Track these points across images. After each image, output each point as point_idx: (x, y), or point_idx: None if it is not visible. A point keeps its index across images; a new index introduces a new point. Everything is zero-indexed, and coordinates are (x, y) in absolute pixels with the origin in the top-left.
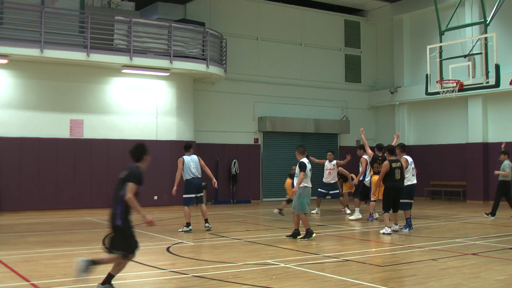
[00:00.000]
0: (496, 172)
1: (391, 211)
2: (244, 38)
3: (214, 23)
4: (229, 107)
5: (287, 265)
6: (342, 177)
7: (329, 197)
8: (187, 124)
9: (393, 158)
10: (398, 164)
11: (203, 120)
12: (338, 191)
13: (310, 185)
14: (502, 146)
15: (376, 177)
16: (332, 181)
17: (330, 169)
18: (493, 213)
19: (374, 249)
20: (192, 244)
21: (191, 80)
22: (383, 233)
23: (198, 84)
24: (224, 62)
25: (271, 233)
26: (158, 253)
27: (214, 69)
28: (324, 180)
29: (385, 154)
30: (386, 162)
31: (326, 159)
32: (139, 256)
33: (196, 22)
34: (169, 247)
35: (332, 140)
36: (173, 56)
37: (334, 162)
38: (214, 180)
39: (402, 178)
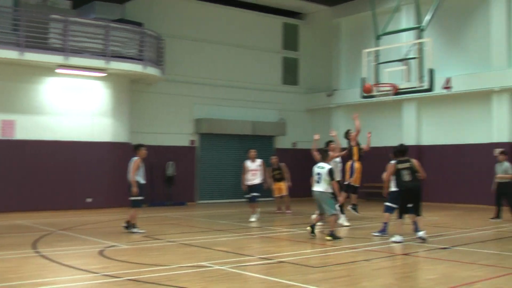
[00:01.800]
0: (499, 175)
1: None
2: (182, 39)
3: (153, 23)
4: (166, 109)
5: (222, 267)
6: (281, 177)
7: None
8: (124, 125)
9: (401, 158)
10: (407, 164)
11: (140, 121)
12: (257, 194)
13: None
14: (498, 151)
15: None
16: (256, 182)
17: (253, 170)
18: (498, 216)
19: (308, 250)
20: (126, 247)
21: (128, 81)
22: (394, 242)
23: (135, 85)
24: (162, 63)
25: (206, 235)
26: (90, 256)
27: (151, 70)
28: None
29: (390, 155)
30: (390, 164)
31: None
32: (70, 259)
33: (134, 22)
34: (102, 250)
35: (268, 142)
36: (110, 56)
37: (259, 162)
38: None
39: (414, 178)
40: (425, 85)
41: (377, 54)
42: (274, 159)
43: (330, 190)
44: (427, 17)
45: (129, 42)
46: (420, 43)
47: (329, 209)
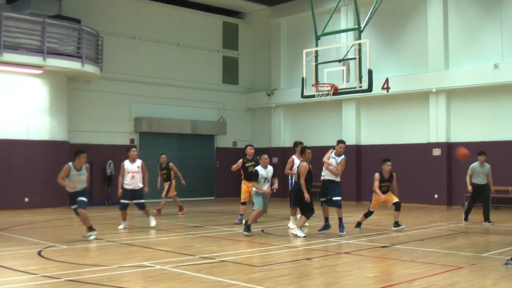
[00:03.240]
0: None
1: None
2: (121, 37)
3: (91, 20)
4: (105, 107)
5: (163, 267)
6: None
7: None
8: (61, 123)
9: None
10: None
11: (78, 119)
12: (141, 201)
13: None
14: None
15: None
16: (137, 187)
17: (133, 172)
18: (487, 218)
19: (250, 250)
20: (65, 247)
21: (66, 78)
22: (295, 235)
23: (73, 82)
24: (100, 60)
25: (147, 235)
26: (28, 257)
27: (89, 68)
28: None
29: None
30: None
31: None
32: (8, 261)
33: (72, 19)
34: (40, 251)
35: (208, 142)
36: (47, 53)
37: (139, 163)
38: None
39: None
40: (364, 85)
41: (316, 54)
42: (162, 158)
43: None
44: (366, 19)
45: (67, 38)
46: (359, 44)
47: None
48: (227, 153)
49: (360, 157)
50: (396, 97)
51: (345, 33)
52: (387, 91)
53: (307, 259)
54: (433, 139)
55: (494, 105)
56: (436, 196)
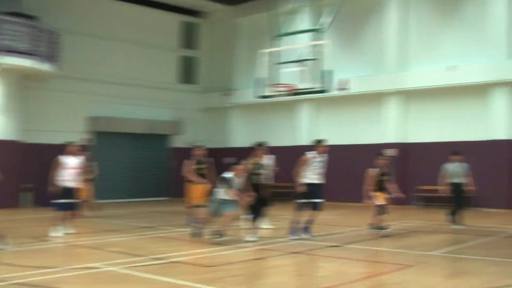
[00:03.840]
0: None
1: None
2: (78, 35)
3: (51, 18)
4: (61, 106)
5: (113, 268)
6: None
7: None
8: (15, 122)
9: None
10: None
11: (33, 119)
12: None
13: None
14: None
15: None
16: (73, 185)
17: (73, 168)
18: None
19: (200, 250)
20: (11, 249)
21: (21, 76)
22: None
23: (29, 81)
24: (57, 59)
25: (97, 236)
26: None
27: (45, 66)
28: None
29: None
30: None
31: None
32: None
33: (28, 16)
34: None
35: (164, 142)
36: (2, 50)
37: (82, 158)
38: None
39: None
40: (322, 86)
41: (275, 54)
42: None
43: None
44: (325, 20)
45: (22, 36)
46: (318, 45)
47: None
48: (183, 153)
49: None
50: (353, 98)
51: (304, 34)
52: (344, 92)
53: (259, 259)
54: (389, 140)
55: (447, 106)
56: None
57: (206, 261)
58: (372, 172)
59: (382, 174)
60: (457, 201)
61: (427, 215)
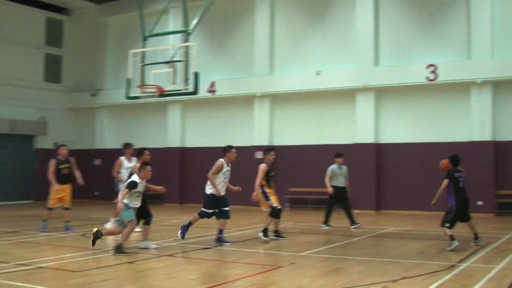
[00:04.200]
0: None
1: None
2: None
3: None
4: None
5: None
6: None
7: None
8: None
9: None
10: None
11: None
12: None
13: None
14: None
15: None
16: None
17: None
18: (353, 221)
19: (69, 255)
20: None
21: None
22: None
23: None
24: None
25: None
26: None
27: None
28: None
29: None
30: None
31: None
32: None
33: None
34: None
35: (27, 142)
36: None
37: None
38: None
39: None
40: (190, 88)
41: (144, 55)
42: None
43: (126, 201)
44: (194, 21)
45: None
46: (187, 47)
47: (123, 218)
48: (47, 154)
49: (185, 160)
50: (222, 100)
51: (173, 35)
52: (213, 94)
53: (130, 262)
54: (257, 142)
55: (316, 110)
56: None
57: (75, 266)
58: (264, 167)
59: (270, 171)
60: (332, 204)
61: (296, 216)
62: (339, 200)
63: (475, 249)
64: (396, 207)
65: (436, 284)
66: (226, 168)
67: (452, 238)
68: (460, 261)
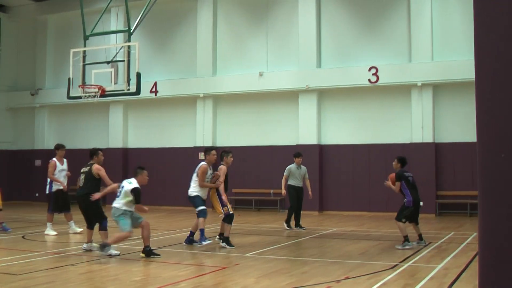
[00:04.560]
0: (308, 183)
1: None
2: None
3: None
4: None
5: None
6: None
7: None
8: None
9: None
10: (86, 169)
11: None
12: None
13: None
14: (295, 154)
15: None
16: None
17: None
18: (297, 224)
19: (9, 257)
20: None
21: None
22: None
23: None
24: None
25: None
26: None
27: None
28: None
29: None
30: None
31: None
32: None
33: None
34: None
35: None
36: None
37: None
38: None
39: (85, 186)
40: (132, 88)
41: (85, 54)
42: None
43: (125, 207)
44: (136, 21)
45: None
46: (128, 46)
47: (120, 226)
48: None
49: (127, 161)
50: (165, 101)
51: (115, 34)
52: (155, 95)
53: (71, 265)
54: (199, 143)
55: (259, 111)
56: None
57: (15, 269)
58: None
59: (226, 175)
60: (294, 204)
61: (240, 217)
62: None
63: (417, 249)
64: (339, 208)
65: (379, 284)
66: (209, 172)
67: (406, 239)
68: (402, 261)
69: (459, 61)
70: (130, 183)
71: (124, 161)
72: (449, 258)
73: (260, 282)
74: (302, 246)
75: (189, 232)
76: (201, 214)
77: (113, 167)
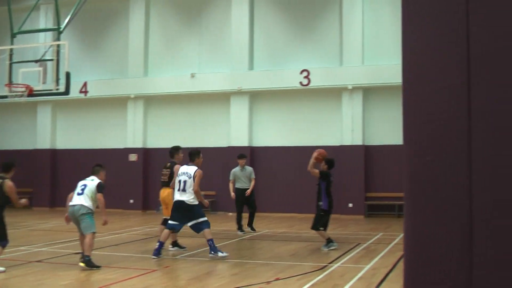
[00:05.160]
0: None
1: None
2: None
3: None
4: None
5: None
6: None
7: None
8: None
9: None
10: None
11: None
12: None
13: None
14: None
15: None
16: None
17: None
18: (250, 224)
19: None
20: None
21: None
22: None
23: None
24: None
25: None
26: None
27: None
28: None
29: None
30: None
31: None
32: None
33: None
34: None
35: None
36: None
37: None
38: None
39: None
40: (62, 88)
41: (12, 52)
42: None
43: (92, 207)
44: (66, 19)
45: None
46: (58, 45)
47: (88, 225)
48: None
49: (56, 162)
50: (95, 101)
51: (44, 33)
52: (85, 95)
53: None
54: (130, 145)
55: (190, 112)
56: (132, 201)
57: None
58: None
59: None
60: (238, 207)
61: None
62: (245, 202)
63: (346, 249)
64: (271, 210)
65: (309, 285)
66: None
67: (330, 240)
68: (331, 262)
69: (389, 65)
70: (92, 180)
71: (52, 162)
72: (377, 258)
73: (191, 285)
74: (233, 247)
75: (158, 243)
76: (207, 225)
77: (40, 168)
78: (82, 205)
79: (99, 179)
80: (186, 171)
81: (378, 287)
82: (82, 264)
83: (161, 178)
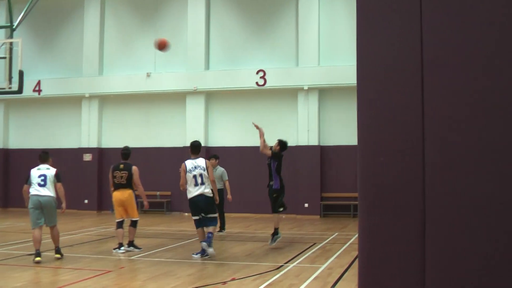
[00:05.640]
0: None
1: None
2: None
3: None
4: None
5: None
6: None
7: None
8: None
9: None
10: None
11: None
12: None
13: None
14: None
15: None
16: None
17: None
18: (222, 226)
19: None
20: None
21: None
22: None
23: None
24: None
25: None
26: None
27: None
28: None
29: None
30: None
31: None
32: None
33: None
34: None
35: None
36: None
37: None
38: None
39: None
40: (14, 86)
41: None
42: None
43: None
44: (20, 16)
45: None
46: (11, 43)
47: (54, 218)
48: None
49: (8, 161)
50: (49, 100)
51: None
52: (39, 94)
53: None
54: (84, 144)
55: (146, 112)
56: (86, 201)
57: None
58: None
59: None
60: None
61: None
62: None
63: (302, 249)
64: (226, 210)
65: (265, 285)
66: None
67: (276, 231)
68: (287, 262)
69: (344, 66)
70: (48, 169)
71: (4, 162)
72: (333, 258)
73: (146, 285)
74: (189, 248)
75: (203, 243)
76: (216, 222)
77: None
78: (52, 197)
79: (50, 165)
80: (197, 165)
81: (334, 287)
82: (58, 255)
83: (115, 180)
